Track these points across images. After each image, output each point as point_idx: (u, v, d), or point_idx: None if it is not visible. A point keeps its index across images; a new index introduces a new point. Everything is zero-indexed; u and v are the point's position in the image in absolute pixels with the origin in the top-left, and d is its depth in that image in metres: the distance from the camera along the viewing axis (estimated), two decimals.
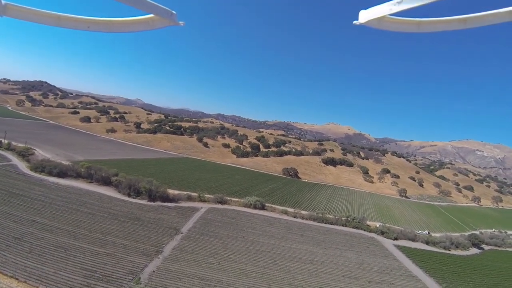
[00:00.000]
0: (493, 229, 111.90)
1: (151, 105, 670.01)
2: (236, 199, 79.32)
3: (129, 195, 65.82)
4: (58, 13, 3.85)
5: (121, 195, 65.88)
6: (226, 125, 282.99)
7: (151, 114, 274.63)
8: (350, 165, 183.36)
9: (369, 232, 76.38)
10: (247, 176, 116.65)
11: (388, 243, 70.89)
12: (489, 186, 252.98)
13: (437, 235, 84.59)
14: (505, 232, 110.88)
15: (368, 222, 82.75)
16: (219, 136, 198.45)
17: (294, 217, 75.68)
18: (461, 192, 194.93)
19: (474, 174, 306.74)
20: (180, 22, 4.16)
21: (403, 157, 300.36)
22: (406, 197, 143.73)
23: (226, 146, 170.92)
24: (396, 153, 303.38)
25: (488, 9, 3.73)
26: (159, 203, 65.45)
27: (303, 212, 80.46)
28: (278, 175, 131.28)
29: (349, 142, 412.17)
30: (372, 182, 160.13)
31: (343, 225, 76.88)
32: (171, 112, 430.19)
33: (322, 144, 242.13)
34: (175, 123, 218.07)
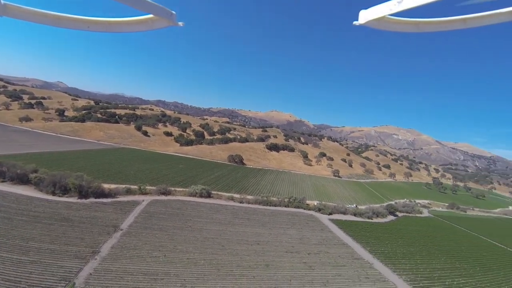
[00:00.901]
0: (405, 199, 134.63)
1: (77, 89, 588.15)
2: (181, 189, 77.25)
3: (53, 194, 57.82)
4: (58, 13, 3.82)
5: (43, 194, 57.43)
6: (168, 112, 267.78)
7: (77, 100, 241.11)
8: (292, 150, 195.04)
9: (309, 210, 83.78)
10: (191, 165, 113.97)
11: (324, 218, 79.09)
12: (402, 164, 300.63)
13: (363, 207, 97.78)
14: (414, 201, 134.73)
15: (308, 201, 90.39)
16: (160, 124, 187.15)
17: (241, 203, 77.76)
18: (381, 170, 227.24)
19: (391, 155, 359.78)
20: (180, 23, 4.11)
21: (337, 142, 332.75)
22: (339, 176, 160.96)
23: (168, 134, 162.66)
24: (331, 138, 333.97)
25: (488, 9, 3.78)
26: (92, 199, 59.31)
27: (249, 197, 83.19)
28: (223, 163, 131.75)
29: (291, 129, 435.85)
30: (311, 165, 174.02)
31: (285, 206, 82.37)
32: (102, 98, 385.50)
33: (266, 131, 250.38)
34: (109, 110, 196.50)
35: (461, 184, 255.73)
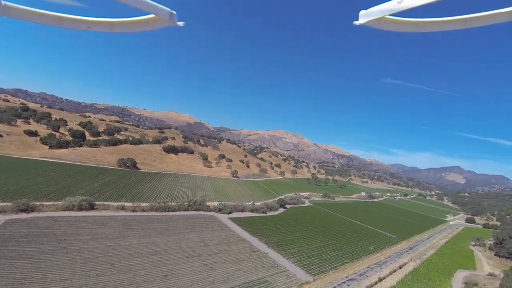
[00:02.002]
0: (292, 193, 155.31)
1: None
2: (52, 203, 62.26)
3: None
4: (59, 13, 3.82)
5: None
6: (32, 105, 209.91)
7: None
8: (191, 152, 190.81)
9: (209, 211, 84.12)
10: (67, 172, 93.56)
11: (224, 218, 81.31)
12: (289, 163, 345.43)
13: (259, 203, 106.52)
14: (299, 194, 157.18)
15: (208, 203, 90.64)
16: (19, 120, 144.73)
17: (134, 211, 69.87)
18: (273, 169, 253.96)
19: (281, 155, 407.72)
20: (180, 23, 4.00)
21: (235, 144, 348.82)
22: (237, 177, 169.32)
23: (32, 133, 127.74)
24: (230, 140, 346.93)
25: (489, 9, 3.78)
26: None
27: (144, 204, 75.89)
28: (111, 168, 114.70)
29: (190, 130, 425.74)
30: (211, 167, 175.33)
31: (185, 210, 79.80)
32: None
33: (163, 132, 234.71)
34: None
35: (331, 178, 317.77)
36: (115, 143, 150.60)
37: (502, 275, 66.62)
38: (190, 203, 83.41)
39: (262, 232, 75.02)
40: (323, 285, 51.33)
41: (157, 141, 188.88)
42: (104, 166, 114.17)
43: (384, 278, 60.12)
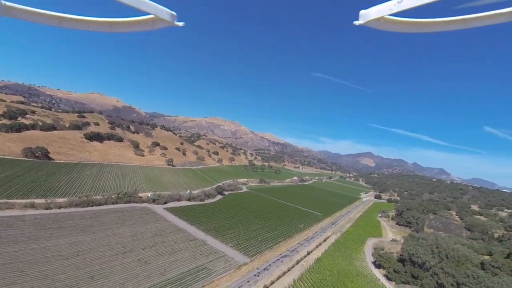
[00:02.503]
0: (230, 180, 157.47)
1: None
2: None
3: None
4: (59, 13, 3.83)
5: None
6: None
7: None
8: (120, 139, 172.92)
9: (142, 203, 78.82)
10: None
11: (159, 208, 77.50)
12: (227, 151, 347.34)
13: (196, 191, 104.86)
14: (236, 180, 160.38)
15: (140, 194, 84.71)
16: None
17: (47, 209, 60.30)
18: (211, 157, 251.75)
19: (219, 143, 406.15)
20: (180, 23, 3.99)
21: (171, 131, 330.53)
22: (173, 165, 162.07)
23: None
24: (164, 127, 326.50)
25: (489, 9, 3.73)
26: None
27: (60, 200, 66.15)
28: (15, 159, 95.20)
29: (118, 115, 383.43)
30: (143, 155, 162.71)
31: (114, 203, 72.93)
32: None
33: (84, 117, 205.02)
34: None
35: (267, 164, 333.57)
36: (19, 128, 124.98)
37: (402, 240, 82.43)
38: (120, 196, 76.48)
39: (200, 220, 74.57)
40: (259, 264, 54.71)
41: (76, 127, 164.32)
42: (5, 157, 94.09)
43: (312, 251, 67.58)
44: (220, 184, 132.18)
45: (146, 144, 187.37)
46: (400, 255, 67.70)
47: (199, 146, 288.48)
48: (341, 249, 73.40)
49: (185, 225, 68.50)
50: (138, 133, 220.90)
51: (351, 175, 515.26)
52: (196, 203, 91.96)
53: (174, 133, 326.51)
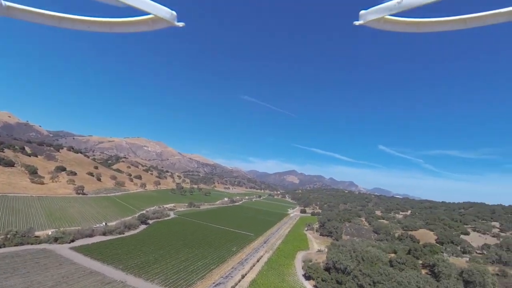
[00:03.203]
0: (155, 206, 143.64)
1: None
2: None
3: None
4: (59, 13, 3.86)
5: None
6: None
7: None
8: (10, 164, 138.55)
9: (39, 244, 63.40)
10: None
11: (64, 249, 63.56)
12: (152, 174, 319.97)
13: (114, 223, 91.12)
14: (163, 206, 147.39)
15: (38, 233, 68.33)
16: None
17: None
18: (132, 181, 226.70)
19: (142, 166, 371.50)
20: (180, 23, 3.99)
21: (81, 153, 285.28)
22: (84, 193, 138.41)
23: None
24: (73, 149, 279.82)
25: (488, 9, 3.73)
26: None
27: None
28: None
29: (9, 134, 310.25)
30: (42, 183, 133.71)
31: (0, 247, 56.27)
32: None
33: None
34: None
35: (196, 186, 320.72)
36: None
37: (326, 249, 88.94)
38: (8, 237, 59.77)
39: (119, 257, 64.26)
40: None
41: None
42: None
43: (246, 274, 65.92)
44: (144, 212, 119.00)
45: (48, 170, 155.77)
46: (326, 263, 72.75)
47: (118, 170, 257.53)
48: (274, 267, 74.18)
49: (99, 266, 57.72)
50: (37, 156, 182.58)
51: (279, 192, 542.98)
52: (113, 237, 79.45)
53: (86, 155, 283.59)
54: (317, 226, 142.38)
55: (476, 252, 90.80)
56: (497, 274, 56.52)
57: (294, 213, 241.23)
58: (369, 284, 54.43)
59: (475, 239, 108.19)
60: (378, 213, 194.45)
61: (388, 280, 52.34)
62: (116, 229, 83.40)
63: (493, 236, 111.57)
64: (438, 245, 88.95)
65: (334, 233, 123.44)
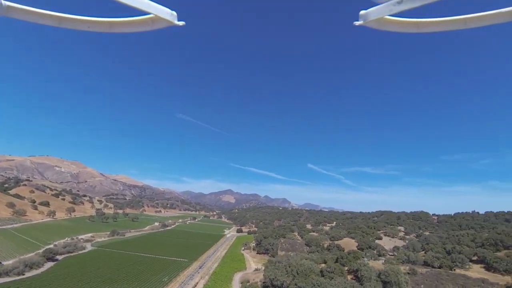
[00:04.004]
0: (67, 238, 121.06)
1: None
2: None
3: None
4: (59, 13, 3.86)
5: None
6: None
7: None
8: None
9: None
10: None
11: None
12: (64, 199, 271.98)
13: (10, 262, 72.59)
14: (77, 238, 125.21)
15: None
16: None
17: None
18: (37, 209, 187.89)
19: (51, 189, 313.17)
20: (180, 23, 3.98)
21: None
22: None
23: None
24: None
25: (489, 9, 3.65)
26: None
27: None
28: None
29: None
30: None
31: None
32: None
33: None
34: None
35: (121, 211, 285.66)
36: None
37: (263, 267, 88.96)
38: None
39: None
40: None
41: None
42: None
43: None
44: (52, 246, 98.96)
45: None
46: (263, 282, 72.68)
47: (17, 195, 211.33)
48: None
49: None
50: None
51: (215, 213, 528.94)
52: (10, 279, 62.90)
53: None
54: (254, 244, 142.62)
55: (389, 254, 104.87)
56: (408, 273, 66.04)
57: (231, 233, 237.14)
58: None
59: (386, 242, 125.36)
60: (308, 226, 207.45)
61: None
62: (13, 269, 66.44)
63: (400, 239, 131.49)
64: (359, 251, 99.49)
65: (270, 250, 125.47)
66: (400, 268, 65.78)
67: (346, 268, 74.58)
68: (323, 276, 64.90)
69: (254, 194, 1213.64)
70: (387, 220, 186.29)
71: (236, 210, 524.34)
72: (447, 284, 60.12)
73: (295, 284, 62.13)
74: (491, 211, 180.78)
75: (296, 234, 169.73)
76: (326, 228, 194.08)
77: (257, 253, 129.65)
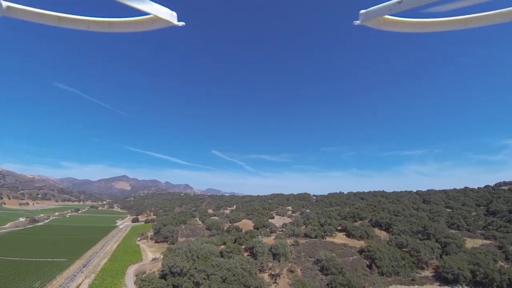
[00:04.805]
0: None
1: None
2: None
3: None
4: (59, 13, 3.87)
5: None
6: None
7: None
8: None
9: None
10: None
11: None
12: None
13: None
14: None
15: None
16: None
17: None
18: None
19: None
20: (180, 23, 4.00)
21: None
22: None
23: None
24: None
25: (489, 10, 3.62)
26: None
27: None
28: None
29: None
30: None
31: None
32: None
33: None
34: None
35: None
36: None
37: (162, 256, 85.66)
38: None
39: None
40: None
41: None
42: None
43: None
44: None
45: None
46: (162, 271, 70.56)
47: None
48: None
49: None
50: None
51: (105, 202, 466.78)
52: None
53: None
54: (152, 233, 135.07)
55: (278, 231, 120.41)
56: (293, 244, 77.92)
57: (125, 223, 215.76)
58: (204, 279, 58.32)
59: (278, 220, 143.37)
60: (210, 211, 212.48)
61: (219, 270, 58.45)
62: None
63: (288, 217, 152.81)
64: (255, 230, 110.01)
65: (170, 237, 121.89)
66: (287, 241, 77.01)
67: (243, 247, 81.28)
68: (222, 256, 68.62)
69: (153, 180, 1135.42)
70: (279, 202, 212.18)
71: (132, 198, 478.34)
72: (320, 250, 74.81)
73: (195, 268, 63.20)
74: (351, 191, 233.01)
75: (198, 219, 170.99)
76: (227, 211, 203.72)
77: (155, 242, 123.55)
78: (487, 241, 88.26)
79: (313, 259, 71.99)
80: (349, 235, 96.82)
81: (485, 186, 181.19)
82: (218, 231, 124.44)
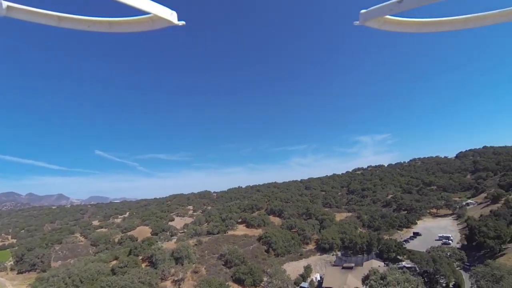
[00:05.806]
0: None
1: None
2: None
3: None
4: (59, 13, 3.86)
5: None
6: None
7: None
8: None
9: None
10: None
11: None
12: None
13: None
14: None
15: None
16: None
17: None
18: None
19: None
20: (180, 22, 3.98)
21: None
22: None
23: None
24: None
25: (488, 9, 3.63)
26: None
27: None
28: None
29: None
30: None
31: None
32: None
33: None
34: None
35: None
36: None
37: None
38: None
39: None
40: None
41: None
42: None
43: None
44: None
45: None
46: None
47: None
48: None
49: None
50: None
51: None
52: None
53: None
54: (12, 262, 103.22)
55: (180, 232, 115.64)
56: (196, 244, 76.32)
57: None
58: None
59: (178, 222, 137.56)
60: (96, 223, 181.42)
61: None
62: None
63: (190, 217, 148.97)
64: (153, 236, 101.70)
65: (39, 264, 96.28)
66: (189, 243, 75.06)
67: (140, 257, 73.63)
68: (115, 274, 59.82)
69: (9, 193, 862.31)
70: (179, 202, 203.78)
71: None
72: (223, 244, 76.81)
73: None
74: (249, 185, 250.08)
75: (79, 235, 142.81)
76: (118, 220, 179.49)
77: (18, 274, 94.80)
78: (350, 214, 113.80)
79: (217, 255, 73.24)
80: (248, 225, 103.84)
81: (346, 172, 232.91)
82: (107, 245, 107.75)
